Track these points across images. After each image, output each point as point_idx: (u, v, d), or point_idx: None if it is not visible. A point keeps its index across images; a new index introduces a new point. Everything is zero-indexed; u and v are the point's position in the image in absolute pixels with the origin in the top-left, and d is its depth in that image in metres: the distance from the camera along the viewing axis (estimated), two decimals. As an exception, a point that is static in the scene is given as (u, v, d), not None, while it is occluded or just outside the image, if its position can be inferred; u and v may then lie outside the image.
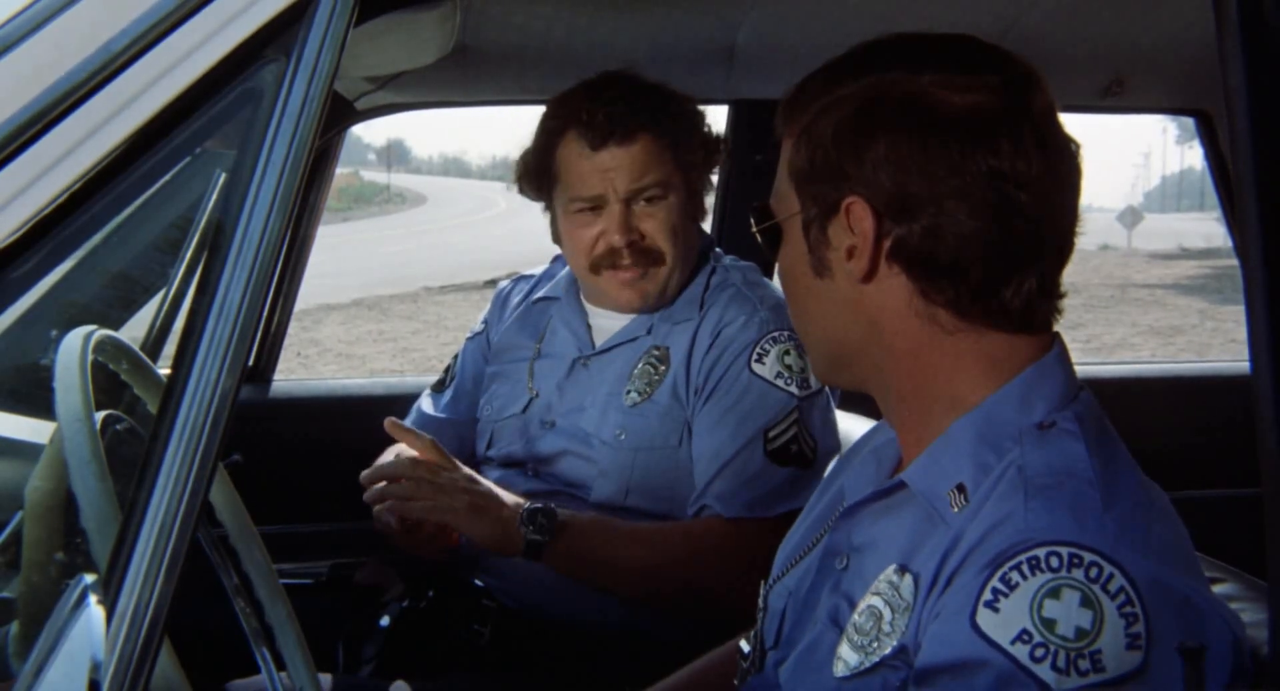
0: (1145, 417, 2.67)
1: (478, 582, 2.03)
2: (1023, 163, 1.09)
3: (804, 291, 1.21)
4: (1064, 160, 1.13)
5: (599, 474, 1.96)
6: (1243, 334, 1.03)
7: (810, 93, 1.17)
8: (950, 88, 1.10)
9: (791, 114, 1.19)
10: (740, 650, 1.34)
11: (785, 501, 1.86)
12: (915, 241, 1.11)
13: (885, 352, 1.16)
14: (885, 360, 1.17)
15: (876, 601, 1.10)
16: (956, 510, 1.07)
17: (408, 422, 2.24)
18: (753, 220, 1.25)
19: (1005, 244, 1.10)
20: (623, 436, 1.96)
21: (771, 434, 1.90)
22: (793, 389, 1.91)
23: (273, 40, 0.97)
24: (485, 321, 2.27)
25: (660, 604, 1.88)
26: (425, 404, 2.25)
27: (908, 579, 1.08)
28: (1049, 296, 1.14)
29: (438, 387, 2.28)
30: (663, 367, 1.98)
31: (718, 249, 2.12)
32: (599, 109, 1.89)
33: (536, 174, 2.00)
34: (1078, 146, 1.15)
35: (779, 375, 1.92)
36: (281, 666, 1.27)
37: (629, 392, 1.98)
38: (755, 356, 1.93)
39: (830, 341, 1.21)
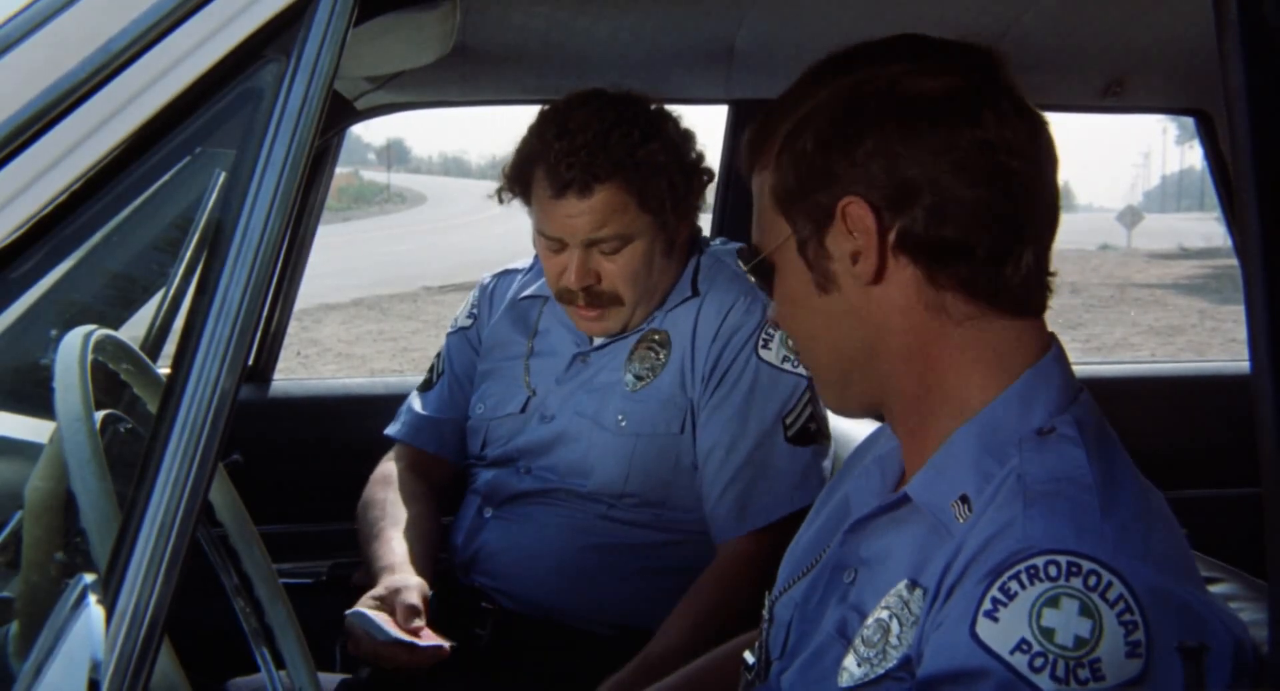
0: (1145, 418, 2.68)
1: (476, 584, 2.03)
2: (1008, 130, 1.10)
3: (810, 314, 1.19)
4: (1041, 129, 1.14)
5: (599, 458, 1.96)
6: (1242, 334, 1.03)
7: (777, 115, 1.18)
8: (921, 75, 1.12)
9: (760, 145, 1.19)
10: (745, 661, 1.33)
11: (807, 488, 1.86)
12: (921, 226, 1.10)
13: (894, 356, 1.15)
14: (894, 365, 1.15)
15: (886, 615, 1.10)
16: (961, 521, 1.07)
17: (400, 425, 2.22)
18: (741, 262, 1.25)
19: (1005, 213, 1.11)
20: (624, 422, 1.96)
21: (789, 419, 1.92)
22: (800, 370, 1.92)
23: (273, 40, 0.97)
24: (473, 316, 2.24)
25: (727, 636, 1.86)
26: (416, 404, 2.23)
27: (918, 593, 1.08)
28: (1043, 272, 1.15)
29: (425, 387, 2.25)
30: (664, 351, 1.98)
31: (705, 236, 2.11)
32: (562, 157, 1.88)
33: (514, 191, 2.00)
34: (1045, 121, 1.16)
35: (785, 359, 1.93)
36: (281, 666, 1.28)
37: (629, 377, 1.99)
38: (761, 342, 1.94)
39: (840, 359, 1.19)
